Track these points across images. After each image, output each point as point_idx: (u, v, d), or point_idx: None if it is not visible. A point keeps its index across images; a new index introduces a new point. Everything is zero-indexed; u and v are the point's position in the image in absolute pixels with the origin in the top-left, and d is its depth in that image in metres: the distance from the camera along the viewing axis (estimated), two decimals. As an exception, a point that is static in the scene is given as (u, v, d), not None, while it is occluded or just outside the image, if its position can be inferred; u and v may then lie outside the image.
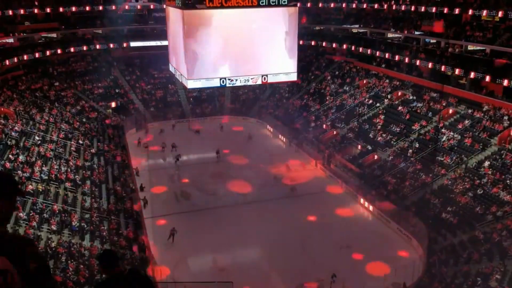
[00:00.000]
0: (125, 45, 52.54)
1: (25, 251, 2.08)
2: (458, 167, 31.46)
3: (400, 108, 40.82)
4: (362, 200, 32.77)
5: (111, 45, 51.68)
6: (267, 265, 25.48)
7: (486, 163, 30.43)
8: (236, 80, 28.46)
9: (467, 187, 29.58)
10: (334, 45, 50.44)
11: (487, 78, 33.77)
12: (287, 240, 27.44)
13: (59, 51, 47.83)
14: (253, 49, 28.08)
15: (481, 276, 22.30)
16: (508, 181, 28.18)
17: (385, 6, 44.94)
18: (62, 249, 22.50)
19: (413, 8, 41.05)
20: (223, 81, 28.21)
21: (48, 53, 46.69)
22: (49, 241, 22.60)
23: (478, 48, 36.67)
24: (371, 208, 31.84)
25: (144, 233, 27.23)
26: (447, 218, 28.11)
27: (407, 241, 27.85)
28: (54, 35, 49.80)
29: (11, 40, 45.42)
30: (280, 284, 23.86)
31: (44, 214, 24.73)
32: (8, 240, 2.11)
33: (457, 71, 36.34)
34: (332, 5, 50.24)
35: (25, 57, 44.17)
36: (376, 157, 37.19)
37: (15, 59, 42.86)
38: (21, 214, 23.44)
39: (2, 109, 35.90)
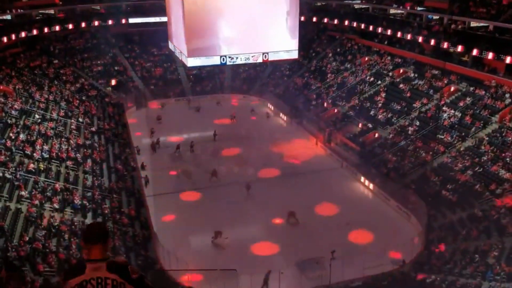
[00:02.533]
0: (124, 21, 51.88)
1: (128, 268, 3.14)
2: (459, 142, 31.48)
3: (401, 85, 40.56)
4: (362, 178, 32.92)
5: (110, 22, 51.02)
6: (268, 242, 25.76)
7: (486, 140, 30.41)
8: (237, 58, 28.15)
9: (466, 165, 29.65)
10: (336, 21, 49.78)
11: (490, 55, 33.45)
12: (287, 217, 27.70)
13: (57, 28, 47.23)
14: (254, 27, 27.61)
15: (479, 253, 22.58)
16: (508, 159, 28.21)
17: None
18: (65, 226, 22.73)
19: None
20: (223, 59, 27.92)
21: (46, 30, 46.13)
22: (52, 219, 22.82)
23: (481, 24, 36.18)
24: (371, 186, 32.01)
25: (146, 211, 27.50)
26: (446, 196, 28.28)
27: (407, 219, 28.09)
28: (52, 11, 49.12)
29: (8, 17, 44.83)
30: (282, 261, 24.13)
31: (47, 193, 24.89)
32: (117, 264, 3.15)
33: (459, 48, 35.94)
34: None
35: (23, 34, 43.62)
36: (376, 135, 37.17)
37: (13, 36, 42.36)
38: (23, 193, 23.60)
39: (1, 87, 35.72)
